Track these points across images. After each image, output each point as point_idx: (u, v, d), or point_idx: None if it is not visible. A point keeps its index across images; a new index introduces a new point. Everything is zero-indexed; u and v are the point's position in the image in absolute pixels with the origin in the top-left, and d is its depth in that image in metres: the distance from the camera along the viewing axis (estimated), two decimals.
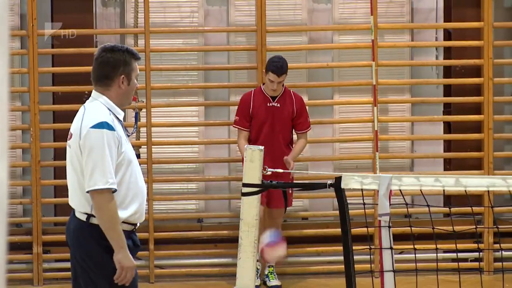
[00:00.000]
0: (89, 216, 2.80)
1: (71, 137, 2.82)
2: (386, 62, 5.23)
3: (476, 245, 5.31)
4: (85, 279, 2.86)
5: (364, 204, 3.53)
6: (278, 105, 4.74)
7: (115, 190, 2.73)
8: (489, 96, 5.23)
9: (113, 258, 2.75)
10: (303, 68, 5.33)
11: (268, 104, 4.74)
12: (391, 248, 2.76)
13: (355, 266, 2.89)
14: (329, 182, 2.71)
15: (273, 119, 4.72)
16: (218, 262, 5.19)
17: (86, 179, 2.74)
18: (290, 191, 5.16)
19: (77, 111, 2.83)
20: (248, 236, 2.57)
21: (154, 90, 5.18)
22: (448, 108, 5.45)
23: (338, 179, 2.66)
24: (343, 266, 2.84)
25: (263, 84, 4.85)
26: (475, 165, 5.29)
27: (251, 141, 4.73)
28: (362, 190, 3.10)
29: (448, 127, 5.44)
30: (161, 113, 5.31)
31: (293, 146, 4.81)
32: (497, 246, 5.34)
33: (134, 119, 3.45)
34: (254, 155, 2.57)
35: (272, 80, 4.67)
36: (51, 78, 5.36)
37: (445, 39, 5.48)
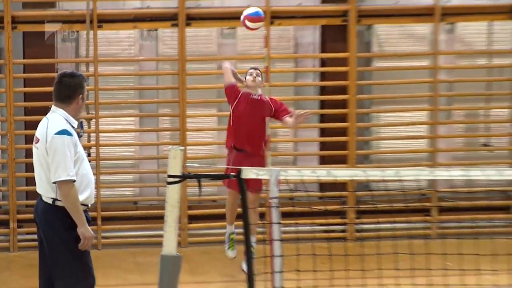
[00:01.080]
0: (54, 200, 3.49)
1: (37, 141, 3.48)
2: (277, 83, 6.52)
3: (342, 220, 6.68)
4: (49, 248, 3.51)
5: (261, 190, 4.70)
6: (259, 98, 5.32)
7: (75, 181, 3.42)
8: (353, 109, 6.67)
9: (73, 233, 3.43)
10: (214, 88, 6.62)
11: (251, 97, 5.33)
12: (279, 223, 3.24)
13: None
14: (232, 174, 3.26)
15: (253, 108, 5.31)
16: (149, 234, 6.41)
17: (52, 173, 3.40)
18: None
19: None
20: (171, 214, 3.04)
21: (101, 105, 6.47)
22: (323, 118, 6.82)
23: (239, 171, 3.15)
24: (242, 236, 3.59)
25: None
26: (342, 161, 6.64)
27: (233, 126, 5.30)
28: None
29: (322, 132, 6.85)
30: (107, 122, 6.60)
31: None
32: (358, 221, 6.64)
33: (81, 126, 4.00)
34: (176, 154, 3.03)
35: (251, 73, 5.29)
36: (23, 96, 6.60)
37: (321, 66, 6.83)
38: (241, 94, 5.42)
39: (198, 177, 3.27)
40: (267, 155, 5.35)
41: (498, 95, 7.08)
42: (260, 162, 5.16)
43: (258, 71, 5.42)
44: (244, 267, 4.39)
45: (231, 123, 5.42)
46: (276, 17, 6.55)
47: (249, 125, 5.32)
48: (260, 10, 5.15)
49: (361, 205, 6.61)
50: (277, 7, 6.58)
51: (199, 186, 3.29)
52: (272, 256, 3.26)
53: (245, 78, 5.49)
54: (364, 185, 6.95)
